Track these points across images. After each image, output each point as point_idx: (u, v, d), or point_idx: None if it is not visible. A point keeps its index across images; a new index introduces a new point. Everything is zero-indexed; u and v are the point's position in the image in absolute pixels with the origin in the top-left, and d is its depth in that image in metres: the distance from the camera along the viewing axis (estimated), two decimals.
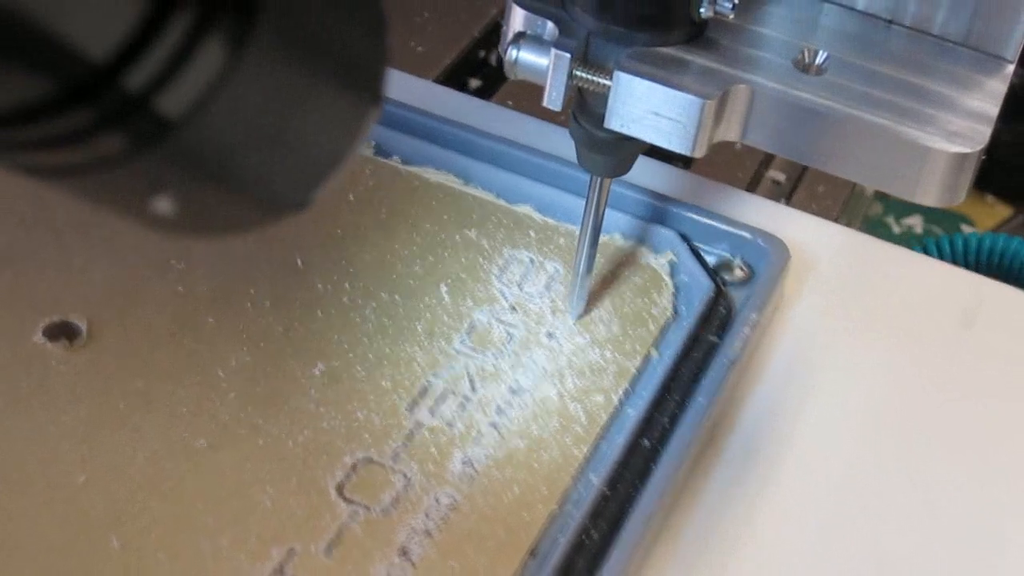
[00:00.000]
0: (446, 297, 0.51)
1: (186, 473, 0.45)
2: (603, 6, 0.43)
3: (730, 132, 0.43)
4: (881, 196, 0.89)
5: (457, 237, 0.53)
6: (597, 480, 0.45)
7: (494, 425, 0.47)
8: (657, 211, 0.54)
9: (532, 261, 0.53)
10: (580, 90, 0.44)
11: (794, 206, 0.68)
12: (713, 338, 0.50)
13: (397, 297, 0.51)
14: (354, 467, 0.45)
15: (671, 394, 0.48)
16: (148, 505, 0.44)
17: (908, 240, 1.25)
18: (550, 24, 0.44)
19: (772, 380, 0.52)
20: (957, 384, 0.53)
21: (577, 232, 0.53)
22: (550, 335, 0.50)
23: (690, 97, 0.41)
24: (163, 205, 0.27)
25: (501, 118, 0.60)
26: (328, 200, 0.54)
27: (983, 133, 0.42)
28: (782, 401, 0.51)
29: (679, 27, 0.43)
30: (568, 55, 0.43)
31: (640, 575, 0.45)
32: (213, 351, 0.48)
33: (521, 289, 0.52)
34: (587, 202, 0.49)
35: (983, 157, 0.42)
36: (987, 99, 0.43)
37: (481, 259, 0.53)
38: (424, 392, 0.48)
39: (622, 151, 0.47)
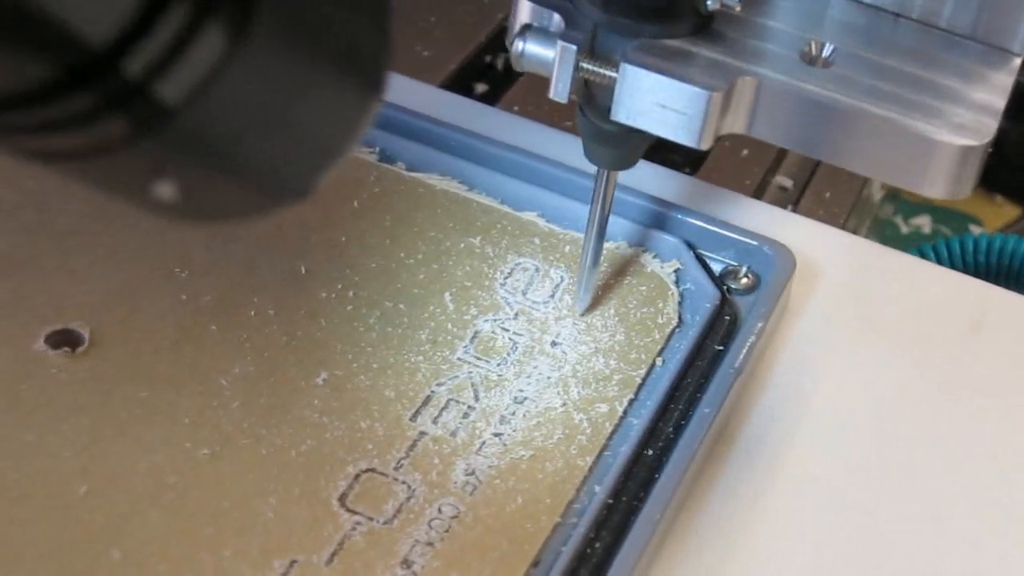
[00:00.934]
0: (450, 305, 0.51)
1: (188, 483, 0.44)
2: None
3: (736, 125, 0.43)
4: (890, 198, 0.88)
5: (462, 244, 0.53)
6: (601, 491, 0.45)
7: (497, 435, 0.47)
8: (663, 218, 0.54)
9: (537, 269, 0.53)
10: (586, 82, 0.44)
11: (801, 212, 0.68)
12: (718, 347, 0.50)
13: (401, 305, 0.50)
14: (357, 477, 0.45)
15: (676, 403, 0.48)
16: (149, 516, 0.43)
17: (916, 240, 1.24)
18: (556, 16, 0.44)
19: (778, 388, 0.51)
20: (964, 392, 0.52)
21: (582, 238, 0.53)
22: (554, 343, 0.50)
23: (696, 89, 0.41)
24: (164, 190, 0.27)
25: (507, 124, 0.60)
26: (332, 206, 0.54)
27: (990, 126, 0.42)
28: (788, 409, 0.51)
29: (686, 19, 0.43)
30: (574, 47, 0.42)
31: None
32: (216, 360, 0.48)
33: (526, 297, 0.52)
34: (593, 195, 0.49)
35: (990, 151, 0.42)
36: (994, 92, 0.43)
37: (485, 267, 0.52)
38: (427, 401, 0.48)
39: (628, 143, 0.47)
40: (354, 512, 0.44)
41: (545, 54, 0.43)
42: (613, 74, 0.42)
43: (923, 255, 0.70)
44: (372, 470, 0.45)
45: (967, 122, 0.42)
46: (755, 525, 0.47)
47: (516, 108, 0.68)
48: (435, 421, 0.47)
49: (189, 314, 0.49)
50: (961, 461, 0.50)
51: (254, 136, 0.27)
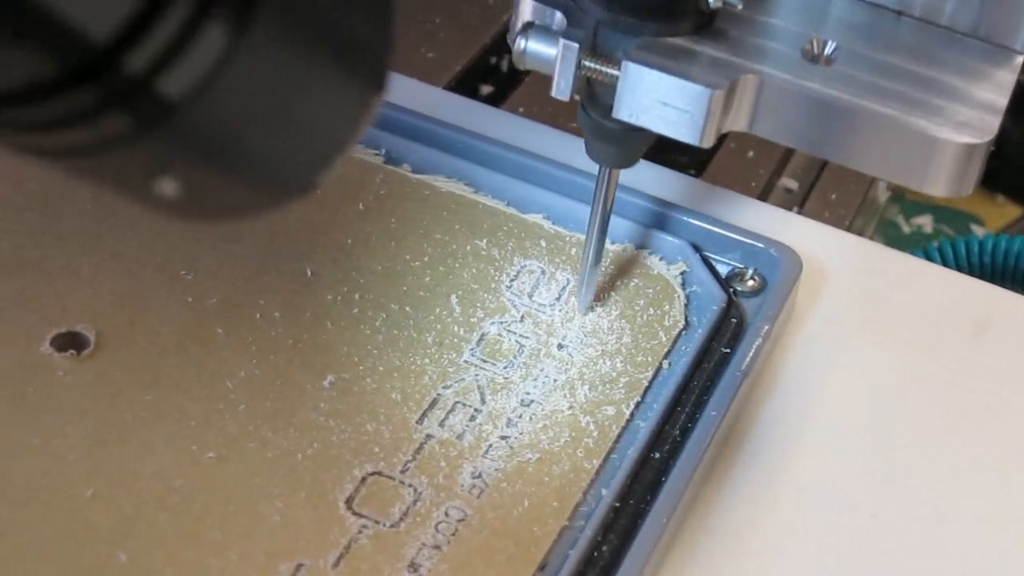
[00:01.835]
0: (456, 308, 0.51)
1: (194, 486, 0.44)
2: None
3: (738, 123, 0.43)
4: (896, 199, 0.88)
5: (468, 247, 0.53)
6: (608, 494, 0.45)
7: (504, 438, 0.47)
8: (669, 221, 0.54)
9: (543, 271, 0.53)
10: (589, 80, 0.44)
11: (806, 214, 0.68)
12: (725, 349, 0.50)
13: (407, 308, 0.50)
14: (363, 480, 0.45)
15: (682, 406, 0.48)
16: (155, 519, 0.43)
17: (918, 239, 1.24)
18: (559, 14, 0.44)
19: (784, 391, 0.51)
20: (969, 394, 0.52)
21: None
22: (561, 346, 0.50)
23: (699, 87, 0.41)
24: (167, 187, 0.27)
25: (512, 126, 0.60)
26: (338, 209, 0.54)
27: (992, 124, 0.42)
28: (794, 412, 0.51)
29: (688, 17, 0.43)
30: (577, 45, 0.42)
31: None
32: (222, 363, 0.48)
33: (532, 299, 0.51)
34: (595, 193, 0.49)
35: (992, 149, 0.42)
36: (996, 90, 0.43)
37: (491, 269, 0.52)
38: (434, 404, 0.47)
39: (630, 142, 0.47)
40: (360, 515, 0.44)
41: (547, 52, 0.43)
42: (615, 72, 0.42)
43: (928, 256, 0.70)
44: (378, 473, 0.45)
45: (969, 120, 0.42)
46: (762, 528, 0.47)
47: (521, 110, 0.68)
48: (441, 424, 0.47)
49: (195, 317, 0.49)
50: (967, 463, 0.50)
51: (257, 132, 0.27)
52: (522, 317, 0.51)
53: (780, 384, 0.52)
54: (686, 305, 0.52)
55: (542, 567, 0.43)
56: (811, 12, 0.45)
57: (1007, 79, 0.43)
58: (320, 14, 0.27)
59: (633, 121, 0.43)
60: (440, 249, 0.53)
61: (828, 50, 0.43)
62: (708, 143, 0.42)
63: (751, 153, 0.69)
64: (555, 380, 0.49)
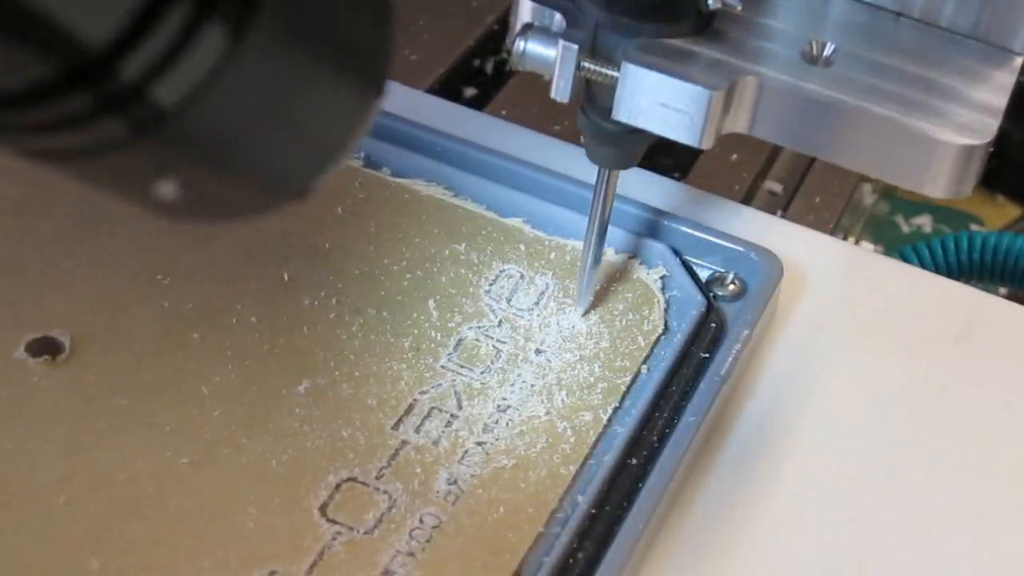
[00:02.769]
0: (434, 312, 0.50)
1: (168, 493, 0.44)
2: None
3: (737, 124, 0.43)
4: (884, 196, 0.88)
5: (446, 251, 0.53)
6: (584, 500, 0.44)
7: (480, 443, 0.46)
8: (649, 225, 0.54)
9: (522, 276, 0.52)
10: (588, 82, 0.44)
11: (791, 217, 0.67)
12: (704, 354, 0.50)
13: (385, 313, 0.50)
14: (338, 487, 0.45)
15: (660, 412, 0.48)
16: (129, 526, 0.43)
17: (917, 240, 1.24)
18: (558, 15, 0.44)
19: (764, 396, 0.51)
20: (953, 399, 0.52)
21: (568, 245, 0.53)
22: (538, 351, 0.50)
23: (698, 88, 0.41)
24: (166, 190, 0.27)
25: (494, 129, 0.60)
26: (316, 212, 0.53)
27: (991, 125, 0.42)
28: (774, 417, 0.51)
29: (687, 18, 0.43)
30: (576, 46, 0.43)
31: None
32: (198, 368, 0.48)
33: (510, 304, 0.51)
34: (594, 195, 0.49)
35: (991, 150, 0.42)
36: (995, 91, 0.43)
37: (470, 274, 0.52)
38: (410, 410, 0.47)
39: (630, 143, 0.47)
40: (335, 522, 0.44)
41: (546, 53, 0.43)
42: (614, 73, 0.43)
43: (904, 258, 0.70)
44: (353, 479, 0.45)
45: (968, 121, 0.42)
46: (742, 535, 0.47)
47: (504, 112, 0.68)
48: (417, 430, 0.47)
49: (171, 322, 0.49)
50: (950, 467, 0.50)
51: (255, 136, 0.27)
52: (500, 322, 0.51)
53: (760, 389, 0.51)
54: (666, 310, 0.52)
55: (517, 574, 0.43)
56: (810, 14, 0.45)
57: (1006, 80, 0.43)
58: (319, 18, 0.27)
59: (632, 122, 0.43)
60: (419, 253, 0.52)
61: (827, 51, 0.43)
62: (707, 144, 0.42)
63: (735, 155, 0.69)
64: (532, 385, 0.48)
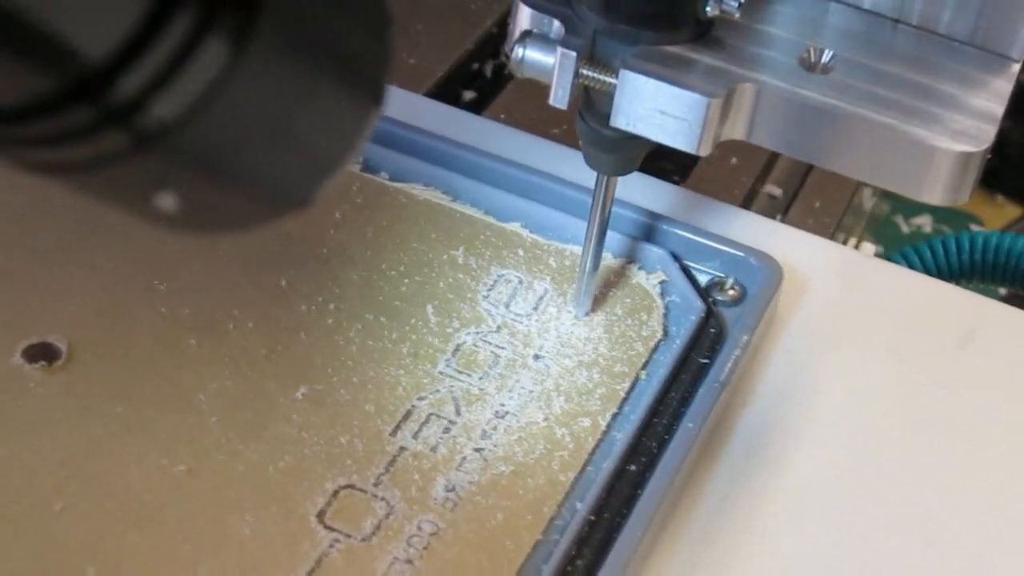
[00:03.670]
0: (432, 318, 0.50)
1: (164, 501, 0.44)
2: (609, 4, 0.43)
3: (736, 131, 0.43)
4: (887, 196, 0.88)
5: (444, 256, 0.52)
6: (582, 507, 0.44)
7: (478, 450, 0.46)
8: (648, 229, 0.54)
9: (520, 281, 0.52)
10: (586, 88, 0.44)
11: (790, 221, 0.67)
12: (703, 360, 0.49)
13: (383, 319, 0.50)
14: (335, 494, 0.44)
15: (659, 418, 0.48)
16: (125, 534, 0.43)
17: (917, 240, 1.24)
18: (556, 22, 0.44)
19: (764, 402, 0.51)
20: (954, 405, 0.52)
21: (567, 250, 0.53)
22: (537, 357, 0.50)
23: (696, 96, 0.41)
24: (167, 202, 0.27)
25: (492, 133, 0.59)
26: (314, 218, 0.53)
27: (989, 132, 0.42)
28: (774, 423, 0.50)
29: (685, 26, 0.43)
30: (574, 54, 0.43)
31: None
32: (195, 375, 0.47)
33: (509, 309, 0.51)
34: (593, 200, 0.49)
35: (989, 156, 0.42)
36: (993, 98, 0.43)
37: (468, 279, 0.52)
38: (408, 416, 0.47)
39: (628, 149, 0.47)
40: (332, 529, 0.43)
41: (545, 60, 0.43)
42: (613, 80, 0.43)
43: (904, 258, 0.69)
44: (351, 486, 0.45)
45: (966, 128, 0.42)
46: (741, 542, 0.47)
47: (503, 116, 0.68)
48: (415, 436, 0.46)
49: (168, 328, 0.49)
50: (950, 473, 0.50)
51: (255, 148, 0.27)
52: (498, 327, 0.50)
53: (760, 394, 0.51)
54: (665, 315, 0.51)
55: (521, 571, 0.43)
56: (808, 21, 0.45)
57: (1004, 87, 0.43)
58: (319, 30, 0.27)
59: (631, 129, 0.43)
60: (417, 258, 0.52)
61: (825, 58, 0.43)
62: (705, 152, 0.43)
63: (734, 160, 0.69)
64: (531, 391, 0.48)
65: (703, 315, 0.51)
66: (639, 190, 0.56)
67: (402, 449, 0.46)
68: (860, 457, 0.50)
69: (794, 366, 0.52)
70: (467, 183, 0.55)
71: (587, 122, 0.46)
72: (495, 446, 0.46)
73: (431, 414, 0.47)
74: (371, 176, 0.55)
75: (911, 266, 0.68)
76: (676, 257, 0.53)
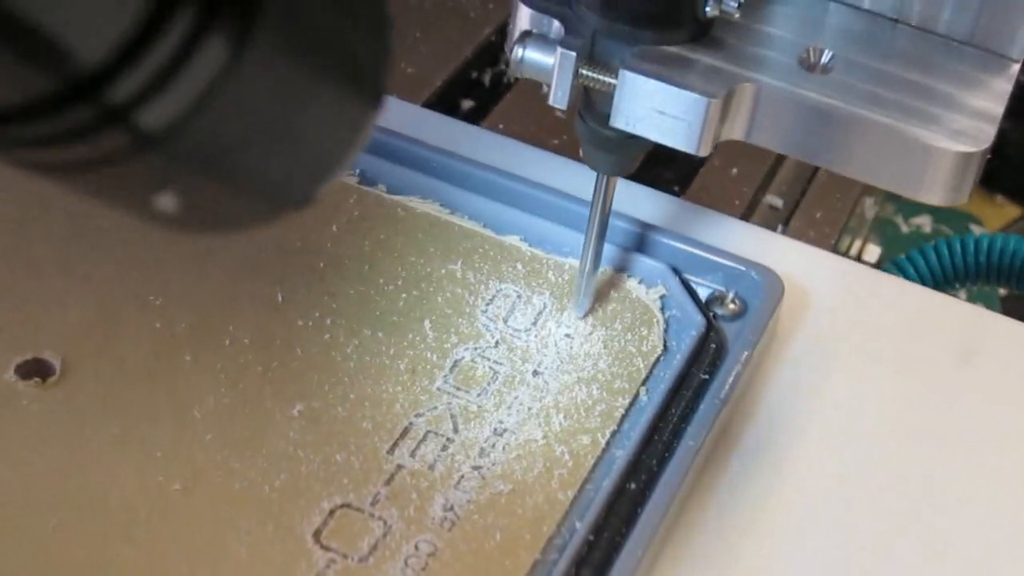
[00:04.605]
0: (430, 334, 0.50)
1: (160, 518, 0.43)
2: (609, 4, 0.43)
3: (735, 131, 0.43)
4: (889, 199, 0.87)
5: (442, 270, 0.52)
6: (582, 526, 0.44)
7: (476, 468, 0.46)
8: (648, 242, 0.53)
9: (519, 295, 0.52)
10: (586, 88, 0.44)
11: (791, 231, 0.67)
12: (704, 375, 0.49)
13: (380, 334, 0.49)
14: (332, 512, 0.44)
15: (659, 435, 0.47)
16: (120, 552, 0.42)
17: (916, 239, 1.24)
18: (556, 23, 0.44)
19: (765, 417, 0.50)
20: (956, 417, 0.52)
21: (566, 264, 0.52)
22: (536, 372, 0.49)
23: (695, 96, 0.41)
24: (166, 202, 0.27)
25: (491, 144, 0.59)
26: (311, 230, 0.53)
27: (988, 132, 0.42)
28: (776, 439, 0.50)
29: (685, 26, 0.43)
30: (574, 54, 0.43)
31: None
32: (190, 390, 0.47)
33: (507, 324, 0.51)
34: (593, 201, 0.49)
35: (988, 156, 0.41)
36: (992, 98, 0.43)
37: (467, 293, 0.51)
38: (405, 433, 0.47)
39: (627, 149, 0.47)
40: (328, 549, 0.43)
41: (544, 61, 0.43)
42: (612, 80, 0.43)
43: (899, 268, 0.69)
44: (348, 505, 0.44)
45: (965, 128, 0.41)
46: (743, 559, 0.46)
47: (502, 126, 0.67)
48: (413, 454, 0.46)
49: (163, 343, 0.48)
50: (953, 488, 0.49)
51: (255, 146, 0.27)
52: (496, 343, 0.50)
53: (761, 409, 0.51)
54: (665, 330, 0.51)
55: None
56: (808, 21, 0.45)
57: (1003, 87, 0.43)
58: (318, 31, 0.27)
59: (630, 129, 0.43)
60: (414, 272, 0.52)
61: (825, 59, 0.43)
62: (705, 152, 0.42)
63: (735, 170, 0.69)
64: (529, 408, 0.48)
65: (704, 330, 0.50)
66: (639, 202, 0.55)
67: (399, 467, 0.46)
68: (862, 469, 0.49)
69: (795, 380, 0.52)
70: (465, 195, 0.54)
71: (587, 122, 0.46)
72: (493, 464, 0.46)
73: (429, 431, 0.47)
74: (368, 188, 0.55)
75: (905, 275, 0.68)
76: (676, 271, 0.52)
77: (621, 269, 0.53)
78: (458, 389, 0.48)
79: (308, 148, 0.29)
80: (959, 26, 0.44)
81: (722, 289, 0.53)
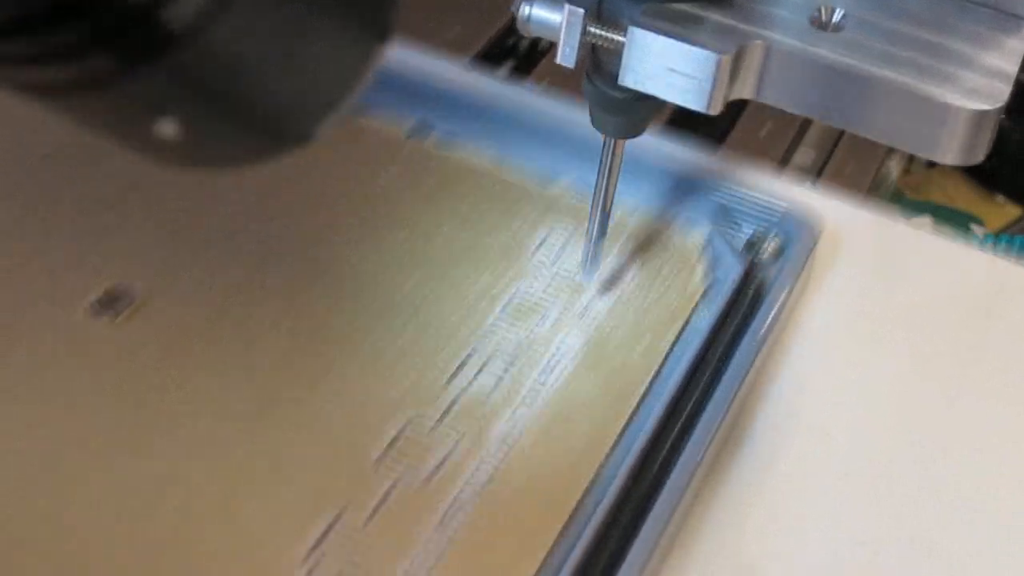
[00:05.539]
0: (483, 276, 0.52)
1: (227, 445, 0.46)
2: None
3: (745, 90, 0.42)
4: (891, 198, 0.89)
5: (492, 218, 0.54)
6: (631, 453, 0.46)
7: (530, 398, 0.48)
8: (688, 188, 0.55)
9: (567, 240, 0.54)
10: (594, 48, 0.44)
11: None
12: (743, 315, 0.51)
13: (435, 271, 0.52)
14: (394, 440, 0.46)
15: (701, 372, 0.49)
16: (192, 472, 0.45)
17: None
18: None
19: (800, 360, 0.52)
20: (985, 371, 0.53)
21: (616, 210, 0.54)
22: (582, 314, 0.51)
23: (706, 53, 0.41)
24: (166, 129, 0.27)
25: (539, 98, 0.60)
26: (363, 180, 0.55)
27: (1003, 90, 0.41)
28: (808, 384, 0.52)
29: None
30: (582, 11, 0.42)
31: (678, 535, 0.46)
32: (260, 321, 0.49)
33: (556, 267, 0.53)
34: (600, 165, 0.49)
35: (1001, 117, 0.41)
36: (1006, 57, 0.42)
37: (516, 239, 0.53)
38: (463, 365, 0.49)
39: (636, 111, 0.47)
40: (392, 472, 0.45)
41: (552, 18, 0.43)
42: (621, 38, 0.42)
43: None
44: (410, 431, 0.46)
45: (980, 87, 0.41)
46: (780, 487, 0.48)
47: (547, 80, 0.68)
48: (471, 384, 0.48)
49: (218, 292, 0.51)
50: (975, 440, 0.51)
51: (257, 76, 0.27)
52: (547, 285, 0.52)
53: (795, 352, 0.52)
54: (705, 273, 0.53)
55: (571, 517, 0.44)
56: None
57: (1017, 47, 0.43)
58: None
59: (640, 88, 0.42)
60: (463, 220, 0.54)
61: (836, 17, 0.43)
62: (715, 110, 0.42)
63: (764, 132, 0.70)
64: (577, 347, 0.50)
65: (743, 272, 0.52)
66: (678, 152, 0.57)
67: (457, 398, 0.48)
68: (890, 418, 0.51)
69: (829, 325, 0.53)
70: (514, 145, 0.56)
71: (594, 83, 0.46)
72: (544, 397, 0.48)
73: (484, 364, 0.49)
74: (418, 140, 0.57)
75: None
76: (716, 215, 0.54)
77: (662, 214, 0.55)
78: (512, 325, 0.50)
79: (311, 81, 0.29)
80: None
81: (761, 232, 0.54)
